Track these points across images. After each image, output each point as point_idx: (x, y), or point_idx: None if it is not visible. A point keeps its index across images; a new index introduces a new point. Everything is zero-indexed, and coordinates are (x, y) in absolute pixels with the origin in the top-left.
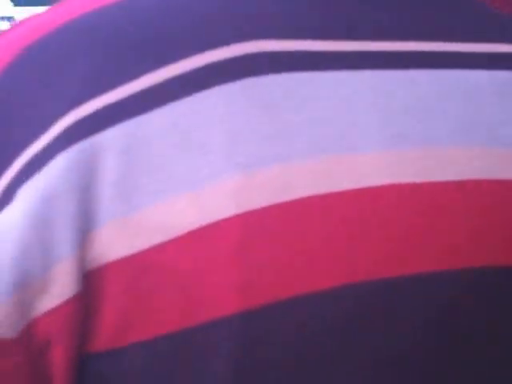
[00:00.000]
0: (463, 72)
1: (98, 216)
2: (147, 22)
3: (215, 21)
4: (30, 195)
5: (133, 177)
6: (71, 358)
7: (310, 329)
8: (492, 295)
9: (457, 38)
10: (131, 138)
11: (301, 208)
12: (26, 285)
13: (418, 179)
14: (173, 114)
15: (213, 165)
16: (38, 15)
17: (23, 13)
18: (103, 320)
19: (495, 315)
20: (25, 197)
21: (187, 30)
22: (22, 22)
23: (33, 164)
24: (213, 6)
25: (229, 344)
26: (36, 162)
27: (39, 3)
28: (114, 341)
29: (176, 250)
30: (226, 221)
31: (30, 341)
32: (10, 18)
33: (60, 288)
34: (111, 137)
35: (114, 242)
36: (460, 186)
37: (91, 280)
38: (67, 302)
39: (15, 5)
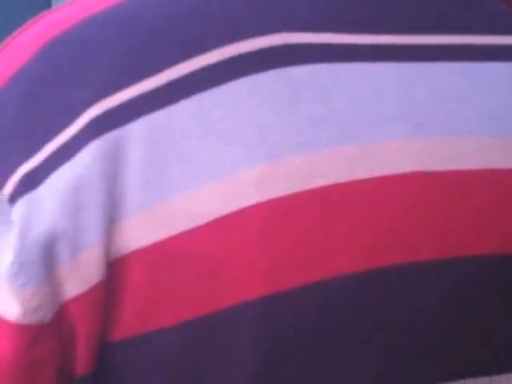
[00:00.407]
0: (481, 64)
1: (125, 205)
2: (174, 15)
3: (241, 13)
4: (61, 184)
5: (159, 167)
6: (94, 346)
7: (332, 311)
8: (499, 282)
9: (472, 31)
10: (158, 128)
11: (324, 196)
12: (57, 270)
13: (441, 167)
14: (199, 104)
15: (238, 154)
16: (61, 9)
17: None
18: (126, 308)
19: (499, 298)
20: (56, 185)
21: (214, 23)
22: (44, 15)
23: (62, 152)
24: (238, 0)
25: (253, 327)
26: (66, 151)
27: None
28: (137, 328)
29: (202, 237)
30: (251, 208)
31: (61, 325)
32: None
33: (85, 275)
34: (138, 128)
35: (140, 231)
36: (480, 175)
37: (115, 269)
38: (91, 290)
39: None
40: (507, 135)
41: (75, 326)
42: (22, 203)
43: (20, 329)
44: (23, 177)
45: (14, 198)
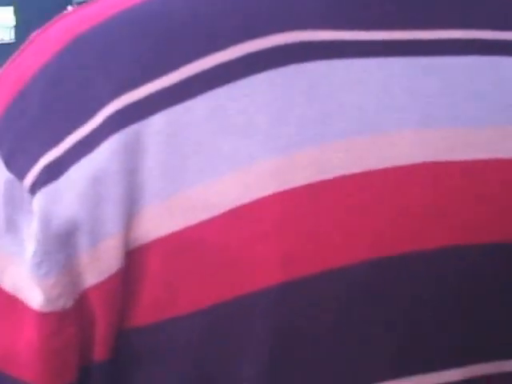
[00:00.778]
0: (491, 58)
1: (144, 196)
2: (195, 12)
3: (256, 11)
4: (82, 175)
5: (178, 159)
6: (112, 334)
7: (348, 298)
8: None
9: (483, 26)
10: (177, 122)
11: (337, 186)
12: (77, 259)
13: (452, 157)
14: (216, 99)
15: (255, 146)
16: (91, 5)
17: None
18: (143, 296)
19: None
20: (76, 176)
21: (231, 21)
22: (74, 11)
23: (84, 145)
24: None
25: (270, 315)
26: (87, 143)
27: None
28: (154, 316)
29: (219, 226)
30: (267, 198)
31: (81, 312)
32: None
33: (105, 264)
34: (158, 122)
35: (158, 221)
36: (491, 164)
37: (133, 258)
38: (110, 278)
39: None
40: None
41: (94, 314)
42: (42, 194)
43: (43, 317)
44: (44, 168)
45: (34, 189)
